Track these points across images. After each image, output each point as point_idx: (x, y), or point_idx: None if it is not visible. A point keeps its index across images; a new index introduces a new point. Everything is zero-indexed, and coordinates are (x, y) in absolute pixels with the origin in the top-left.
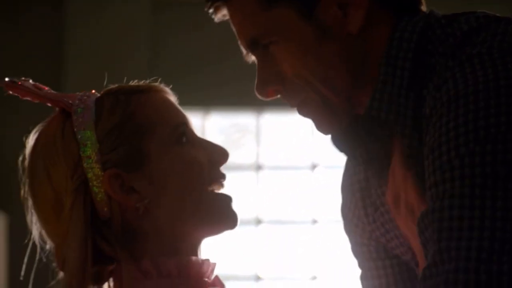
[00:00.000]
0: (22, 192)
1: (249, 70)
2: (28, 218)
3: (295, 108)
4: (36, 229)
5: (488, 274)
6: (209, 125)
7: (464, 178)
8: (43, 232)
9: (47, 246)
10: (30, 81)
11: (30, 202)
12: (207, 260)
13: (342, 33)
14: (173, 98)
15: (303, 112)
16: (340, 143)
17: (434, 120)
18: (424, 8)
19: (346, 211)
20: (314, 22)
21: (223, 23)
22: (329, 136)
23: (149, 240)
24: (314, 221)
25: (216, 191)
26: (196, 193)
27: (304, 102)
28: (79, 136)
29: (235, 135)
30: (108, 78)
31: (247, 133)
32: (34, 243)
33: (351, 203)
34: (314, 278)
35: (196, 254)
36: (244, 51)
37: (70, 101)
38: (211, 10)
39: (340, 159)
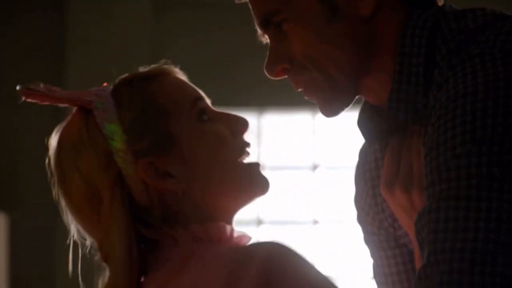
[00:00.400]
0: (53, 193)
1: (250, 70)
2: (64, 218)
3: (301, 90)
4: (73, 227)
5: (482, 276)
6: None
7: (460, 179)
8: (80, 228)
9: (87, 242)
10: (41, 85)
11: (63, 202)
12: (246, 233)
13: (353, 16)
14: (183, 76)
15: (308, 93)
16: (362, 116)
17: (433, 120)
18: (440, 2)
19: (359, 200)
20: (326, 2)
21: (223, 27)
22: (331, 136)
23: (190, 220)
24: (315, 222)
25: (244, 161)
26: (226, 166)
27: (310, 83)
28: (105, 130)
29: None
30: (111, 80)
31: (248, 133)
32: (36, 244)
33: (363, 191)
34: None
35: (231, 223)
36: (259, 31)
37: (88, 98)
38: None
39: (341, 160)
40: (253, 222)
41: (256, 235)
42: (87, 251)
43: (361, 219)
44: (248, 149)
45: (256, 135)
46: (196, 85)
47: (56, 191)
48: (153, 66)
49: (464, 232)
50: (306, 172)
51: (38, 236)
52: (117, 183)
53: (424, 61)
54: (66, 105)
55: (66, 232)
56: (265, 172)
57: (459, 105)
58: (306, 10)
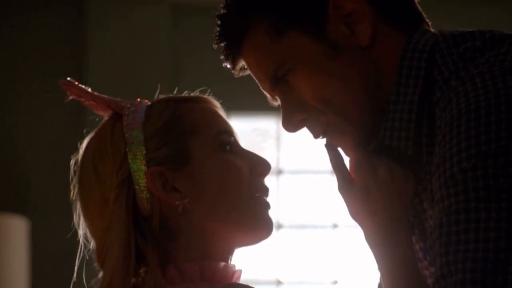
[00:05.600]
0: (71, 194)
1: None
2: (75, 219)
3: (322, 139)
4: (81, 230)
5: (493, 285)
6: None
7: (468, 192)
8: (88, 232)
9: (91, 245)
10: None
11: (78, 204)
12: (233, 266)
13: (353, 48)
14: (221, 111)
15: (330, 140)
16: None
17: (439, 139)
18: (428, 27)
19: None
20: (325, 41)
21: None
22: None
23: (182, 241)
24: (335, 226)
25: (256, 199)
26: (235, 198)
27: (328, 127)
28: (127, 135)
29: (256, 139)
30: (129, 83)
31: (268, 138)
32: (55, 249)
33: None
34: (335, 282)
35: (227, 261)
36: (269, 97)
37: (122, 104)
38: (229, 65)
39: None
40: None
41: (276, 239)
42: (89, 254)
43: None
44: (264, 193)
45: (275, 139)
46: (215, 88)
47: (73, 192)
48: (194, 93)
49: (476, 243)
50: (326, 176)
51: (59, 240)
52: (124, 184)
53: (420, 90)
54: (100, 106)
55: (86, 236)
56: (271, 215)
57: (463, 122)
58: (307, 52)
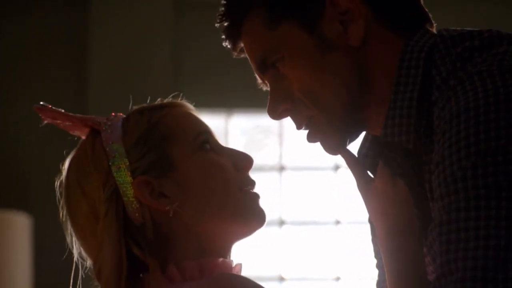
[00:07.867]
0: (61, 215)
1: None
2: (68, 240)
3: (303, 131)
4: (76, 249)
5: (494, 282)
6: (232, 126)
7: (468, 190)
8: (82, 251)
9: (87, 263)
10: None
11: (69, 224)
12: (231, 261)
13: (345, 46)
14: (195, 112)
15: (310, 134)
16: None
17: (438, 137)
18: (432, 27)
19: None
20: (318, 36)
21: None
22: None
23: (178, 244)
24: (337, 222)
25: (243, 191)
26: (222, 193)
27: (310, 121)
28: (107, 149)
29: (258, 136)
30: (132, 78)
31: (270, 134)
32: (58, 245)
33: None
34: (337, 279)
35: (225, 257)
36: (258, 79)
37: (98, 120)
38: (229, 45)
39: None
40: (275, 223)
41: (279, 235)
42: (86, 271)
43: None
44: (251, 186)
45: (277, 135)
46: (217, 85)
47: (63, 212)
48: (167, 100)
49: (476, 241)
50: (328, 172)
51: (61, 236)
52: (112, 198)
53: (419, 87)
54: (77, 125)
55: (81, 255)
56: (263, 206)
57: (462, 120)
58: (299, 45)
